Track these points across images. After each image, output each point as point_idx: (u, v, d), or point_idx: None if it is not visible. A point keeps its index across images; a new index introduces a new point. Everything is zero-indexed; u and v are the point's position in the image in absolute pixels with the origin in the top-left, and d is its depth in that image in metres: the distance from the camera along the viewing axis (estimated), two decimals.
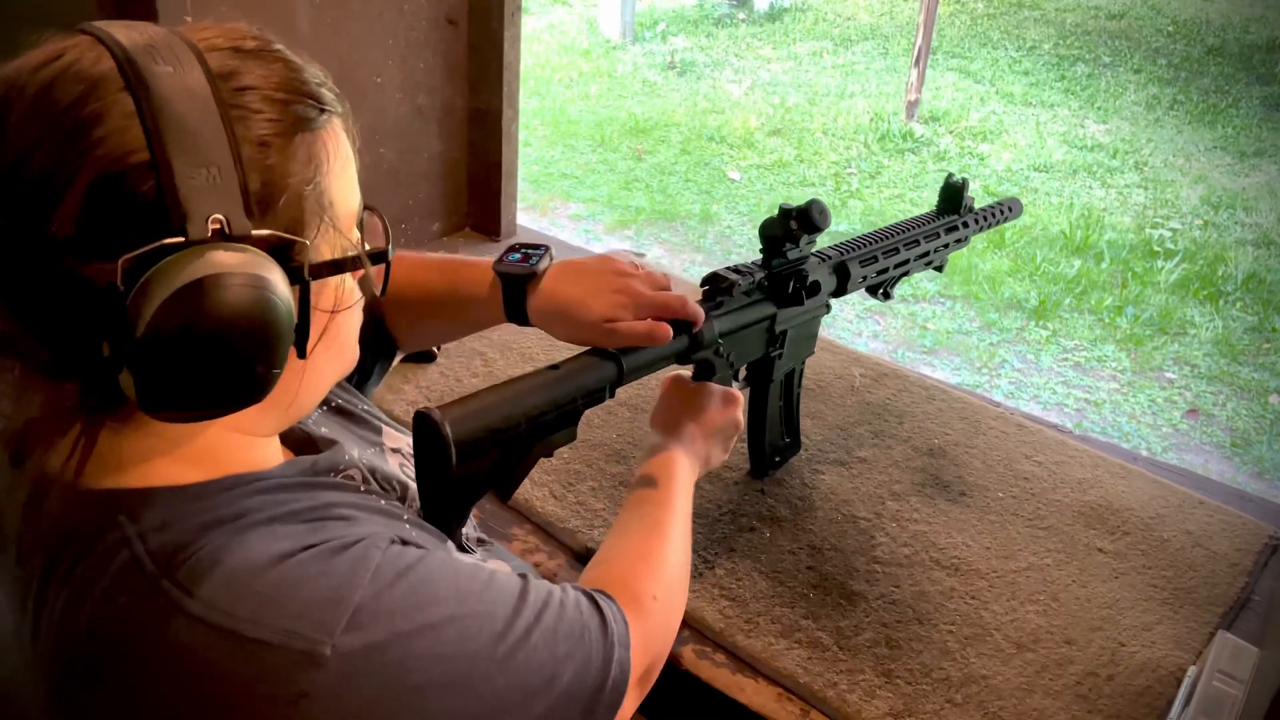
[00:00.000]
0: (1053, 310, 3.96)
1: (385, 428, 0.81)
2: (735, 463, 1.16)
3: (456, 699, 0.54)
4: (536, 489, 1.12)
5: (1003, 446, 1.28)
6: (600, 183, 5.16)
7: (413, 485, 0.74)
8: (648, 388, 1.28)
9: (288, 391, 0.58)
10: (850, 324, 3.83)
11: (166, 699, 0.50)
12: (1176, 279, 4.25)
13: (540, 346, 1.41)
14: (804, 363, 1.15)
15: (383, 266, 0.61)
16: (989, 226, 1.27)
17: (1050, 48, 7.83)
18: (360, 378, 0.92)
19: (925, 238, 1.17)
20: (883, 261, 1.12)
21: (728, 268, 0.96)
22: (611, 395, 0.83)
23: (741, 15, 8.39)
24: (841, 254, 1.08)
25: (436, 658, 0.54)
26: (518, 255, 0.87)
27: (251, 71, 0.53)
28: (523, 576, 0.64)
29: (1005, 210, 1.29)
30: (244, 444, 0.59)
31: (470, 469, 0.71)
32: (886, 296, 1.17)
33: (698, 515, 1.05)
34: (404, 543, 0.59)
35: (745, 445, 1.16)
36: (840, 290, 1.08)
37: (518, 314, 0.86)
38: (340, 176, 0.57)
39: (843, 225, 4.66)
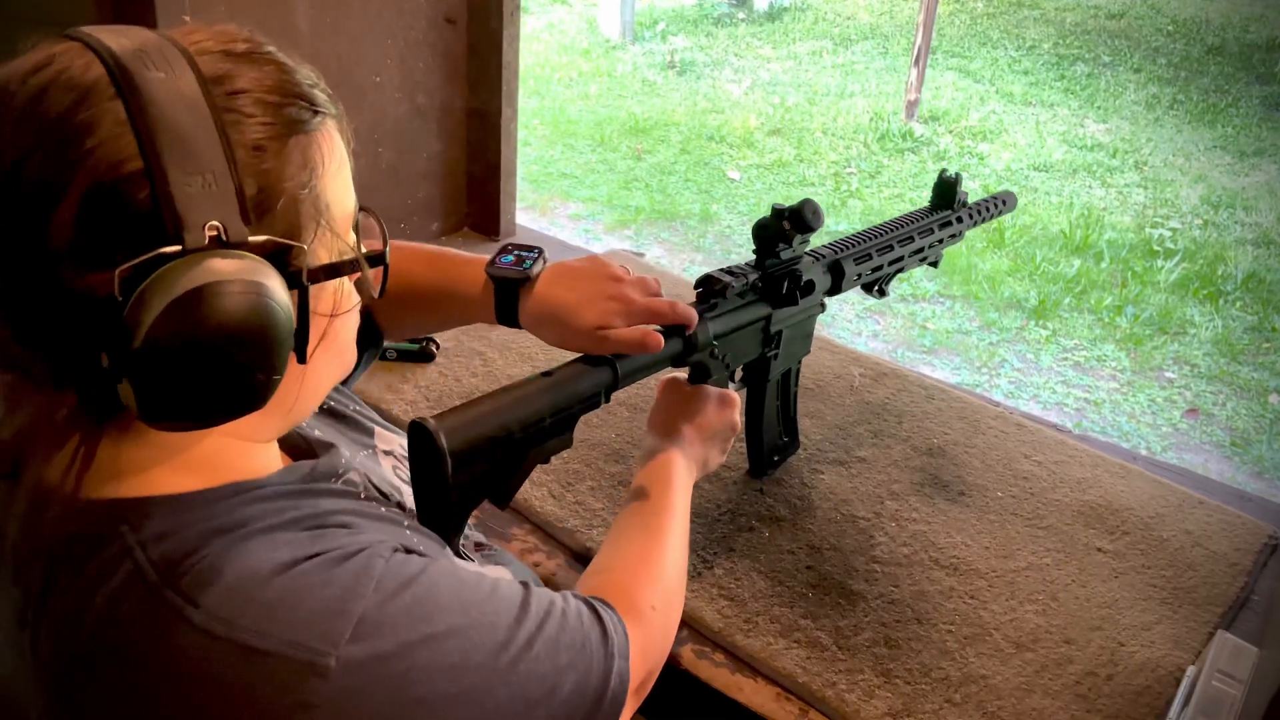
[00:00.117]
0: (1052, 310, 3.96)
1: (377, 429, 0.81)
2: (734, 462, 1.16)
3: (459, 710, 0.54)
4: (535, 489, 1.11)
5: (1002, 446, 1.28)
6: (600, 182, 5.16)
7: (407, 489, 0.74)
8: (647, 387, 1.28)
9: (288, 396, 0.57)
10: (850, 324, 3.83)
11: (169, 709, 0.50)
12: (1176, 278, 4.26)
13: (540, 346, 1.41)
14: (800, 362, 1.15)
15: (380, 269, 0.60)
16: (983, 221, 1.27)
17: (1050, 47, 7.83)
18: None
19: (919, 233, 1.18)
20: (877, 259, 1.12)
21: (721, 270, 0.96)
22: (607, 400, 0.83)
23: (741, 15, 8.39)
24: (835, 252, 1.08)
25: (440, 669, 0.54)
26: (511, 258, 0.86)
27: (244, 75, 0.52)
28: (524, 585, 0.63)
29: (999, 204, 1.29)
30: (243, 450, 0.58)
31: (466, 478, 0.71)
32: (882, 294, 1.17)
33: (697, 515, 1.05)
34: (407, 550, 0.58)
35: (744, 445, 1.16)
36: (835, 289, 1.08)
37: (509, 318, 0.85)
38: (336, 179, 0.56)
39: (842, 225, 4.66)
